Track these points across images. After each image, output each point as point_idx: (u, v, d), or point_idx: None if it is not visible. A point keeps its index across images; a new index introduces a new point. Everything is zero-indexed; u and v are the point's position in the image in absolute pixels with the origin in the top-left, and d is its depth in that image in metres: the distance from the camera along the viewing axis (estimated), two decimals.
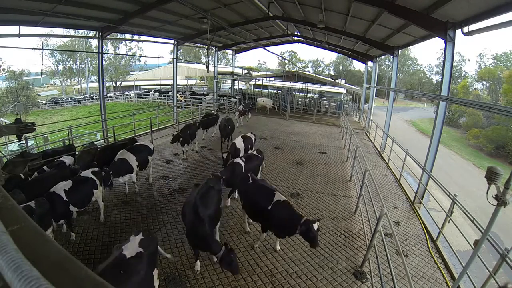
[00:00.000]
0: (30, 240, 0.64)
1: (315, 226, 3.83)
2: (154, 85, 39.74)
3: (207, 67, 10.56)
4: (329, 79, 23.70)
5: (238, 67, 32.42)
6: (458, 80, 44.09)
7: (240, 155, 6.71)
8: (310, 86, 25.15)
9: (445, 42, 6.46)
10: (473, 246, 3.43)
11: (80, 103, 35.31)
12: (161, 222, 5.33)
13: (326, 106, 22.32)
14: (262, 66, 62.38)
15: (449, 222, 5.07)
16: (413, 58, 57.78)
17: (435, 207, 7.00)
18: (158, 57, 21.43)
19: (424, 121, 37.39)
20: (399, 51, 12.12)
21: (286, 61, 53.53)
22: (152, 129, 10.68)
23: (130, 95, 34.44)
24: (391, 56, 12.26)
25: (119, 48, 47.68)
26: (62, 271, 0.58)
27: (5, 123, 16.53)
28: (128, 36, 30.26)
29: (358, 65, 56.09)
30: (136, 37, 19.82)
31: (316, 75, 31.38)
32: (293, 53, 62.51)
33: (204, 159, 9.02)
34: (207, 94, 26.70)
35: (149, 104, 28.55)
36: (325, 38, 16.56)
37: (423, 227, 5.88)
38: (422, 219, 6.17)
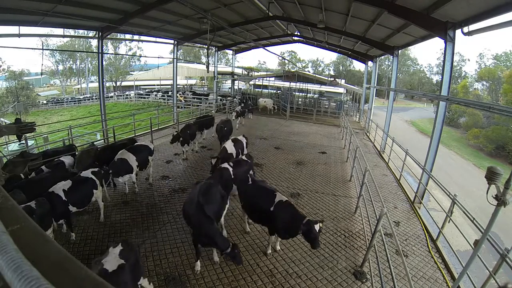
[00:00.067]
0: (30, 240, 0.64)
1: (317, 227, 3.80)
2: (154, 85, 39.77)
3: (207, 67, 10.56)
4: (329, 79, 23.69)
5: (238, 67, 32.41)
6: (458, 80, 44.08)
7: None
8: (310, 86, 25.15)
9: (445, 42, 6.46)
10: (473, 246, 3.43)
11: (80, 103, 35.33)
12: (161, 222, 5.33)
13: (326, 106, 22.33)
14: (262, 66, 62.42)
15: (449, 222, 5.07)
16: (413, 58, 57.81)
17: (435, 207, 7.00)
18: (158, 57, 21.48)
19: (424, 121, 37.38)
20: (399, 51, 12.12)
21: (286, 61, 53.54)
22: (152, 129, 10.69)
23: (130, 95, 34.47)
24: (391, 56, 12.26)
25: (119, 48, 47.75)
26: (62, 271, 0.58)
27: (5, 123, 16.54)
28: (128, 36, 30.32)
29: (358, 65, 56.16)
30: (136, 37, 19.85)
31: (316, 75, 31.36)
32: (293, 53, 62.55)
33: (204, 159, 9.01)
34: (208, 94, 26.70)
35: (149, 104, 28.56)
36: (325, 38, 16.56)
37: (423, 227, 5.88)
38: (422, 219, 6.17)
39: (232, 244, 3.75)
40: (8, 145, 10.47)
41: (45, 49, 35.64)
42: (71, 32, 19.26)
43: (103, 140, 11.25)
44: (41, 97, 41.05)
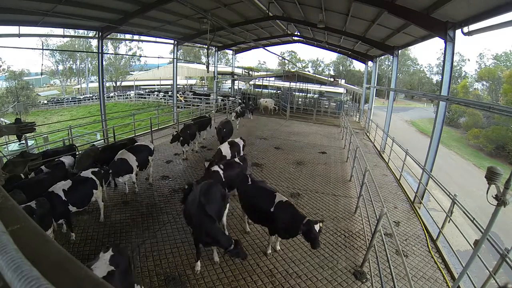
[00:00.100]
0: (30, 240, 0.64)
1: (317, 227, 3.80)
2: (154, 85, 39.77)
3: (207, 67, 10.55)
4: (329, 79, 23.69)
5: (238, 67, 32.45)
6: (458, 80, 44.09)
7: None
8: (310, 86, 25.15)
9: (445, 42, 6.46)
10: (473, 246, 3.43)
11: (80, 103, 35.33)
12: (161, 222, 5.33)
13: (326, 106, 22.33)
14: (262, 66, 62.43)
15: (449, 222, 5.07)
16: (413, 58, 57.82)
17: (435, 207, 7.00)
18: (158, 57, 21.48)
19: (424, 121, 37.38)
20: (399, 51, 12.12)
21: (286, 61, 53.54)
22: (152, 129, 10.69)
23: (130, 95, 34.46)
24: (391, 56, 12.26)
25: (119, 48, 47.76)
26: (62, 271, 0.58)
27: (5, 123, 16.54)
28: (128, 36, 30.31)
29: (358, 65, 56.18)
30: (136, 37, 19.84)
31: (316, 75, 31.36)
32: (293, 53, 62.55)
33: (204, 159, 9.00)
34: (209, 95, 26.70)
35: (149, 104, 28.56)
36: (325, 38, 16.56)
37: (423, 227, 5.88)
38: (422, 219, 6.17)
39: (234, 240, 3.76)
40: (8, 145, 10.47)
41: (45, 49, 35.65)
42: (71, 32, 19.28)
43: (103, 140, 11.25)
44: (41, 97, 41.08)
